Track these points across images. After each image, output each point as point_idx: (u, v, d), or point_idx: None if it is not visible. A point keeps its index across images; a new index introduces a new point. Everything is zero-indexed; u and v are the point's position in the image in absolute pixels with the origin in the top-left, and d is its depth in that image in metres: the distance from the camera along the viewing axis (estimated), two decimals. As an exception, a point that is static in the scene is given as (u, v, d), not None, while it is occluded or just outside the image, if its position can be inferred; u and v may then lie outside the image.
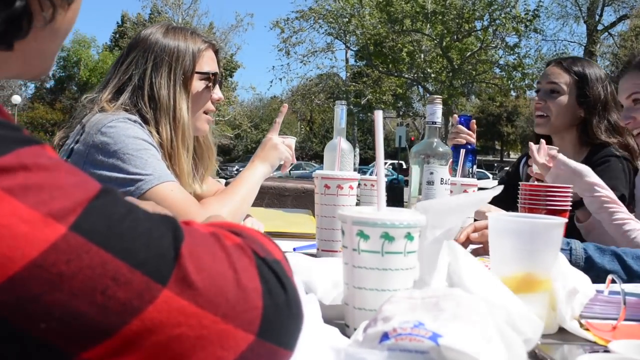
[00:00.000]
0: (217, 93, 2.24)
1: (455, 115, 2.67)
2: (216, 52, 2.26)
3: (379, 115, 1.09)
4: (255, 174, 2.16)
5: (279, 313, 0.66)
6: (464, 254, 1.00)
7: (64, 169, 0.61)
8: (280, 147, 2.26)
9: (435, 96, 2.02)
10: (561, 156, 2.00)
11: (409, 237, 0.99)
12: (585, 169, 1.99)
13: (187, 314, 0.60)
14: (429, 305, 0.79)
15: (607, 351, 0.91)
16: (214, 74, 2.21)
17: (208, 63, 2.19)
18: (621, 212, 1.92)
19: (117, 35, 46.03)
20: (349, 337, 0.96)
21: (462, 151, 2.33)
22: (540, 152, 2.12)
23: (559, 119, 2.66)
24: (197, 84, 2.16)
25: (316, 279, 1.17)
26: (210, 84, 2.20)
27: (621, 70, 2.29)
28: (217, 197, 2.03)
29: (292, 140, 2.35)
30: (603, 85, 2.64)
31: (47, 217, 0.57)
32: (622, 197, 2.30)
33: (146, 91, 2.07)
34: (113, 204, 0.62)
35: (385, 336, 0.73)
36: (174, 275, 0.60)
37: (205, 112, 2.24)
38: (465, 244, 1.81)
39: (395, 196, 18.21)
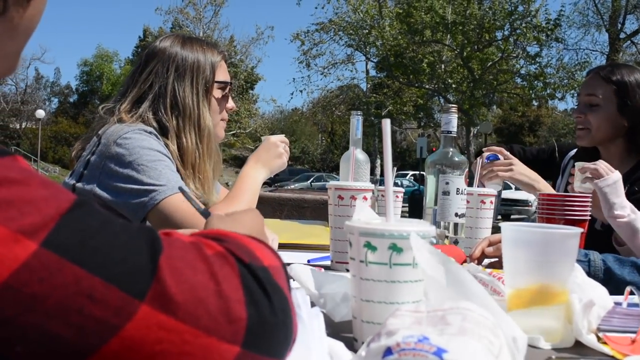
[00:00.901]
0: (230, 102, 2.29)
1: (484, 154, 2.61)
2: (226, 62, 2.30)
3: (386, 124, 1.07)
4: (258, 179, 2.16)
5: (265, 322, 0.63)
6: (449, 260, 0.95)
7: (36, 182, 0.59)
8: (284, 157, 2.26)
9: (450, 105, 1.99)
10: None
11: (412, 249, 0.97)
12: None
13: (167, 329, 0.57)
14: (434, 319, 0.76)
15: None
16: (230, 83, 2.25)
17: (223, 73, 2.23)
18: None
19: (139, 50, 46.45)
20: (356, 351, 0.93)
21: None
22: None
23: (600, 131, 2.55)
24: (216, 93, 2.21)
25: (326, 294, 1.15)
26: (227, 93, 2.25)
27: None
28: (224, 204, 2.02)
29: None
30: None
31: (17, 234, 0.54)
32: None
33: (169, 99, 2.10)
34: (87, 217, 0.59)
35: (388, 351, 0.70)
36: (152, 290, 0.58)
37: (222, 120, 2.28)
38: (480, 258, 1.77)
39: (417, 207, 18.18)
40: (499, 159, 2.56)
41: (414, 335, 0.71)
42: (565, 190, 2.62)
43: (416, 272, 0.96)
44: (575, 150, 2.81)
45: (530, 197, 19.46)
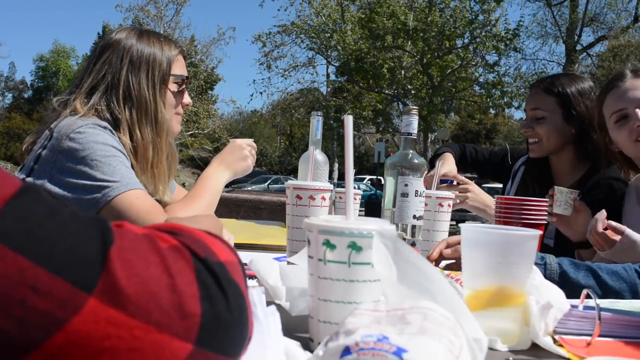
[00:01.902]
0: (187, 98, 2.26)
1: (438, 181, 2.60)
2: (184, 57, 2.27)
3: (348, 121, 1.05)
4: (221, 180, 2.13)
5: (220, 319, 0.60)
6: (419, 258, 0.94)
7: None
8: (250, 160, 2.24)
9: (411, 107, 1.99)
10: (629, 232, 1.92)
11: (373, 244, 0.95)
12: None
13: (116, 325, 0.54)
14: (394, 318, 0.74)
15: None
16: (186, 78, 2.22)
17: (180, 68, 2.20)
18: None
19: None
20: (312, 351, 0.91)
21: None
22: (599, 224, 2.01)
23: (550, 141, 2.60)
24: (172, 87, 2.17)
25: (284, 292, 1.13)
26: (183, 88, 2.22)
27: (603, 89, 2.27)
28: (182, 203, 1.98)
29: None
30: (588, 98, 2.58)
31: None
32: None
33: (122, 90, 2.06)
34: (33, 204, 0.55)
35: (346, 351, 0.68)
36: (101, 282, 0.54)
37: (176, 115, 2.25)
38: (438, 260, 1.77)
39: (374, 211, 18.20)
40: (453, 183, 2.59)
41: (373, 334, 0.69)
42: (515, 195, 2.66)
43: (375, 272, 0.94)
44: (526, 156, 2.85)
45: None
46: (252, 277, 1.42)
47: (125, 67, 2.07)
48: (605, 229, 1.94)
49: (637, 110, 2.11)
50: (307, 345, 0.96)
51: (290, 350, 0.80)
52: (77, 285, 0.53)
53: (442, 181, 2.57)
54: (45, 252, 0.53)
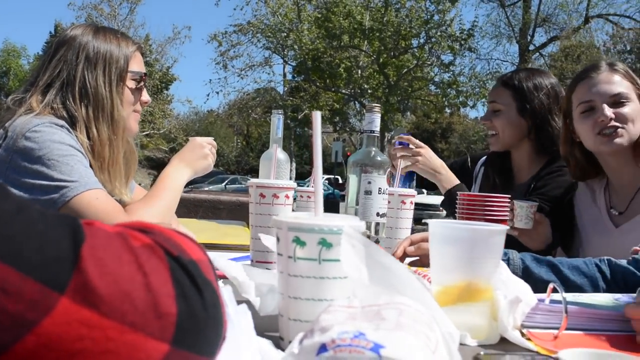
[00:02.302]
0: (145, 95, 2.22)
1: (394, 141, 2.63)
2: (142, 54, 2.24)
3: (317, 116, 1.04)
4: (181, 179, 2.10)
5: (195, 318, 0.59)
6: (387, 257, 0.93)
7: None
8: (210, 158, 2.21)
9: (374, 104, 1.99)
10: None
11: (341, 244, 0.94)
12: None
13: (89, 325, 0.52)
14: (369, 314, 0.74)
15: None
16: (144, 75, 2.19)
17: (138, 64, 2.17)
18: None
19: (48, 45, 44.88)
20: (283, 350, 0.90)
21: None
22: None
23: (506, 134, 2.65)
24: (130, 84, 2.13)
25: (253, 288, 1.11)
26: (141, 85, 2.18)
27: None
28: (142, 204, 1.95)
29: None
30: (545, 93, 2.63)
31: None
32: (547, 211, 2.35)
33: (77, 87, 2.01)
34: (0, 202, 0.53)
35: (323, 348, 0.67)
36: (73, 281, 0.52)
37: (134, 112, 2.21)
38: (402, 257, 1.77)
39: (331, 211, 18.19)
40: (408, 145, 2.59)
41: (350, 331, 0.68)
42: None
43: (345, 268, 0.94)
44: (485, 157, 2.89)
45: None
46: (222, 277, 1.40)
47: (82, 64, 2.02)
48: None
49: (605, 105, 2.14)
50: (278, 344, 0.95)
51: (263, 349, 0.79)
52: (48, 285, 0.51)
53: (398, 143, 2.58)
54: (14, 251, 0.51)
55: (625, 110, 2.12)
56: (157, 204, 1.96)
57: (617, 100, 2.14)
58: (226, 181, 33.79)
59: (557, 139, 2.50)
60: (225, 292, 0.88)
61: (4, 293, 0.49)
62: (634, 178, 2.13)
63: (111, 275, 0.54)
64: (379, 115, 1.98)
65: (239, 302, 0.92)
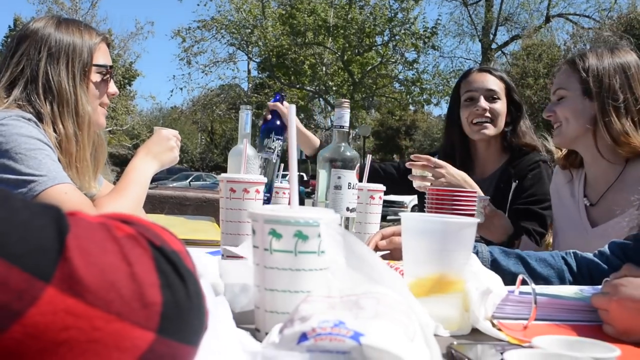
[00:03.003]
0: (112, 87, 2.18)
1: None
2: (108, 45, 2.20)
3: (292, 110, 1.05)
4: (148, 172, 2.08)
5: (180, 307, 0.59)
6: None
7: None
8: (176, 150, 2.20)
9: (343, 100, 2.00)
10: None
11: (321, 235, 0.95)
12: None
13: (75, 315, 0.52)
14: (348, 304, 0.75)
15: (530, 347, 0.90)
16: (110, 67, 2.15)
17: (103, 56, 2.13)
18: None
19: (9, 39, 44.00)
20: (260, 341, 0.90)
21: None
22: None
23: (499, 121, 2.71)
24: (95, 77, 2.10)
25: (225, 283, 1.11)
26: (107, 77, 2.14)
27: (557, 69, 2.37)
28: (111, 197, 1.93)
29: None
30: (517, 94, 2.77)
31: None
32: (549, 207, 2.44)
33: (41, 83, 1.98)
34: None
35: (303, 337, 0.68)
36: (58, 271, 0.52)
37: (101, 106, 2.17)
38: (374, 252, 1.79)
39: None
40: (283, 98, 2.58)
41: (330, 320, 0.69)
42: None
43: (321, 260, 0.95)
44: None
45: (406, 199, 19.99)
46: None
47: (44, 59, 1.99)
48: None
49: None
50: (254, 335, 0.96)
51: (243, 340, 0.79)
52: (34, 274, 0.51)
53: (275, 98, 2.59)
54: None
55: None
56: (126, 198, 1.95)
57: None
58: (190, 178, 33.54)
59: (527, 134, 2.60)
60: (203, 284, 0.88)
61: None
62: (605, 173, 2.18)
63: (96, 265, 0.54)
64: (349, 110, 2.00)
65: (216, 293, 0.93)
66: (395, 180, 2.99)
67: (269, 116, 2.52)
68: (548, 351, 0.81)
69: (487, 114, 2.69)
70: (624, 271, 1.20)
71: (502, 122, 2.71)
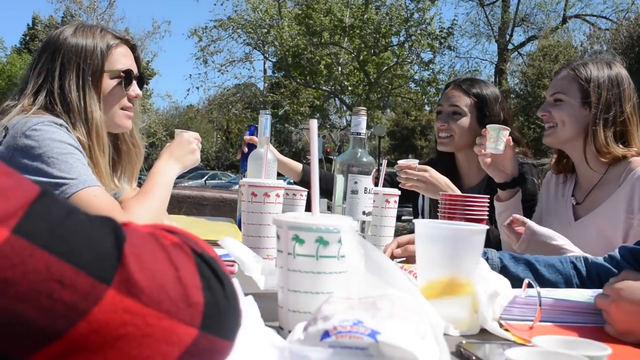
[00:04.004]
0: (134, 90, 2.19)
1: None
2: (132, 48, 2.22)
3: (313, 124, 1.13)
4: (172, 174, 2.14)
5: (219, 306, 0.68)
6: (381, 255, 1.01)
7: (0, 172, 0.60)
8: (197, 153, 2.25)
9: (360, 108, 2.08)
10: (530, 223, 2.07)
11: (342, 241, 1.03)
12: (551, 233, 2.05)
13: (132, 313, 0.61)
14: (366, 305, 0.83)
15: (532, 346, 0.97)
16: (125, 71, 2.15)
17: (119, 60, 2.14)
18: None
19: (28, 38, 44.34)
20: (283, 339, 0.99)
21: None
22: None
23: (462, 138, 2.82)
24: (108, 83, 2.12)
25: (256, 265, 1.22)
26: (123, 81, 2.15)
27: (557, 70, 2.48)
28: (137, 200, 1.99)
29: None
30: (501, 105, 2.85)
31: None
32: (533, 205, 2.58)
33: (57, 94, 2.04)
34: (53, 206, 0.62)
35: (326, 334, 0.77)
36: (118, 275, 0.61)
37: (123, 109, 2.19)
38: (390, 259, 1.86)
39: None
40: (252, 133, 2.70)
41: (349, 319, 0.78)
42: (430, 210, 2.91)
43: (340, 264, 1.03)
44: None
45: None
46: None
47: (58, 68, 2.05)
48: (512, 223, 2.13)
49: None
50: (278, 333, 1.04)
51: (270, 337, 0.88)
52: (98, 278, 0.60)
53: (250, 129, 2.76)
54: (68, 249, 0.59)
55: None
56: (152, 200, 2.02)
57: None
58: (206, 177, 33.69)
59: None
60: (235, 284, 0.97)
61: (62, 285, 0.58)
62: (590, 175, 2.35)
63: (149, 269, 0.63)
64: (365, 117, 2.07)
65: (245, 294, 1.01)
66: None
67: (246, 149, 2.67)
68: (546, 349, 0.88)
69: (446, 131, 2.84)
70: (622, 275, 1.27)
71: (464, 138, 2.82)
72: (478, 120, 2.81)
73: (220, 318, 0.67)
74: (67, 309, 0.58)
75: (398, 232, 2.28)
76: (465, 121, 2.82)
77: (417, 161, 2.58)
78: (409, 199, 3.20)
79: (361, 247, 0.96)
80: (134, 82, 2.19)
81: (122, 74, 2.14)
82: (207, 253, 0.72)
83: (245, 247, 1.31)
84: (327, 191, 2.82)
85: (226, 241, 1.26)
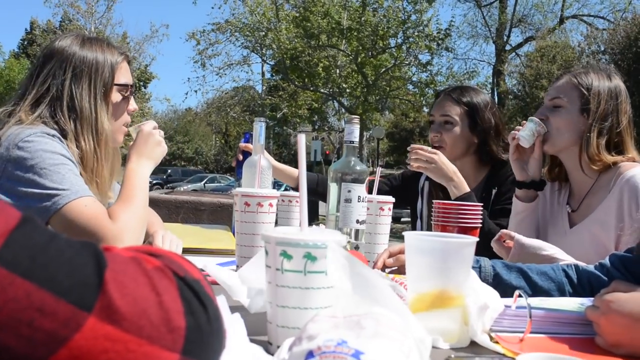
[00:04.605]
0: (132, 104, 2.26)
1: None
2: (129, 63, 2.27)
3: (301, 139, 1.13)
4: (146, 174, 2.12)
5: (201, 330, 0.68)
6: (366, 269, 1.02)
7: None
8: (163, 143, 2.24)
9: (353, 116, 2.07)
10: (517, 236, 2.07)
11: (327, 257, 1.03)
12: (540, 243, 2.06)
13: (113, 340, 0.61)
14: (350, 323, 0.83)
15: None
16: (131, 86, 2.23)
17: (124, 74, 2.21)
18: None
19: (26, 42, 44.35)
20: (272, 354, 0.99)
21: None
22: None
23: (455, 148, 2.86)
24: (116, 96, 2.18)
25: (242, 288, 1.20)
26: (128, 95, 2.22)
27: (558, 76, 2.51)
28: (121, 207, 1.97)
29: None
30: (492, 111, 2.88)
31: None
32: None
33: (65, 102, 2.06)
34: (34, 233, 0.62)
35: (310, 354, 0.76)
36: (99, 302, 0.61)
37: (125, 125, 2.26)
38: (382, 269, 1.86)
39: (310, 209, 18.24)
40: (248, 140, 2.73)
41: (334, 339, 0.77)
42: (429, 212, 2.88)
43: (328, 279, 1.03)
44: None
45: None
46: (213, 283, 1.48)
47: (69, 78, 2.07)
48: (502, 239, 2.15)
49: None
50: (266, 348, 1.04)
51: (256, 355, 0.87)
52: (79, 305, 0.60)
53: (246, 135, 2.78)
54: (49, 277, 0.59)
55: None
56: (134, 205, 1.99)
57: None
58: (205, 180, 33.73)
59: (502, 152, 2.82)
60: (220, 302, 0.97)
61: (42, 313, 0.58)
62: (583, 183, 2.37)
63: (130, 295, 0.63)
64: (358, 126, 2.07)
65: (232, 310, 1.01)
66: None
67: (241, 156, 2.71)
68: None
69: (438, 142, 2.88)
70: (612, 286, 1.27)
71: (457, 146, 2.86)
72: (470, 128, 2.85)
73: (202, 342, 0.67)
74: (47, 336, 0.58)
75: (397, 235, 2.29)
76: (457, 130, 2.86)
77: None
78: (408, 202, 3.24)
79: (347, 262, 0.96)
80: (132, 97, 2.26)
81: (129, 87, 2.21)
82: (190, 275, 0.71)
83: (230, 271, 1.30)
84: (324, 195, 2.84)
85: (209, 267, 1.26)
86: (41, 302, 0.58)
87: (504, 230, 2.14)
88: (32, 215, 0.63)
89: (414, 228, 3.16)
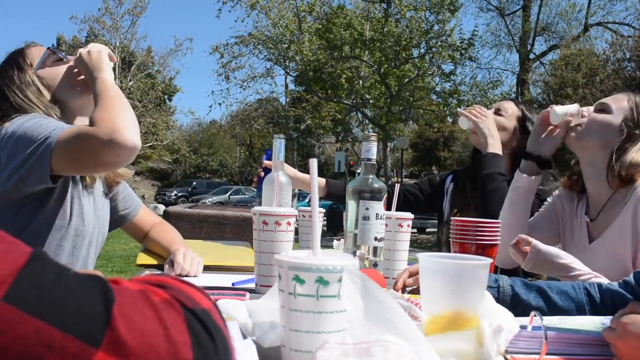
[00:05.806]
0: (68, 60, 2.43)
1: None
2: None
3: (313, 164, 1.14)
4: (110, 80, 2.22)
5: None
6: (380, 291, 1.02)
7: None
8: (103, 50, 2.32)
9: (371, 134, 2.08)
10: (535, 242, 2.08)
11: (342, 281, 1.03)
12: (557, 251, 2.07)
13: None
14: (360, 351, 0.83)
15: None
16: (48, 48, 2.43)
17: (35, 55, 2.39)
18: (585, 273, 2.01)
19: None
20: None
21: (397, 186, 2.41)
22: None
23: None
24: (45, 73, 2.36)
25: (254, 322, 1.20)
26: (53, 61, 2.40)
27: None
28: (97, 110, 2.05)
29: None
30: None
31: None
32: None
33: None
34: (43, 270, 0.63)
35: (319, 382, 0.77)
36: (107, 337, 0.62)
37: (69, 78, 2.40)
38: (403, 289, 1.86)
39: (335, 221, 18.27)
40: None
41: (342, 367, 0.78)
42: (451, 207, 3.12)
43: (341, 303, 1.03)
44: (452, 174, 3.33)
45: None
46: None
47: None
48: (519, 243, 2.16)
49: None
50: (280, 373, 1.05)
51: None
52: (87, 341, 0.61)
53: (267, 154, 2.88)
54: (57, 314, 0.61)
55: None
56: (124, 109, 2.06)
57: None
58: (230, 192, 33.88)
59: None
60: (233, 327, 0.98)
61: (50, 350, 0.59)
62: (601, 193, 2.35)
63: (138, 330, 0.64)
64: (376, 144, 2.08)
65: (244, 336, 1.02)
66: (420, 200, 3.35)
67: (262, 173, 2.84)
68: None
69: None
70: (630, 308, 1.25)
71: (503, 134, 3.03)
72: (516, 130, 3.05)
73: None
74: None
75: (422, 245, 2.29)
76: (503, 121, 3.05)
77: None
78: (433, 208, 3.31)
79: (361, 284, 0.97)
80: (65, 58, 2.46)
81: (49, 50, 2.45)
82: (199, 306, 0.72)
83: (242, 305, 1.31)
84: None
85: (221, 303, 1.28)
86: (50, 338, 0.59)
87: (522, 235, 2.13)
88: (41, 251, 0.65)
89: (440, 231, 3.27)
